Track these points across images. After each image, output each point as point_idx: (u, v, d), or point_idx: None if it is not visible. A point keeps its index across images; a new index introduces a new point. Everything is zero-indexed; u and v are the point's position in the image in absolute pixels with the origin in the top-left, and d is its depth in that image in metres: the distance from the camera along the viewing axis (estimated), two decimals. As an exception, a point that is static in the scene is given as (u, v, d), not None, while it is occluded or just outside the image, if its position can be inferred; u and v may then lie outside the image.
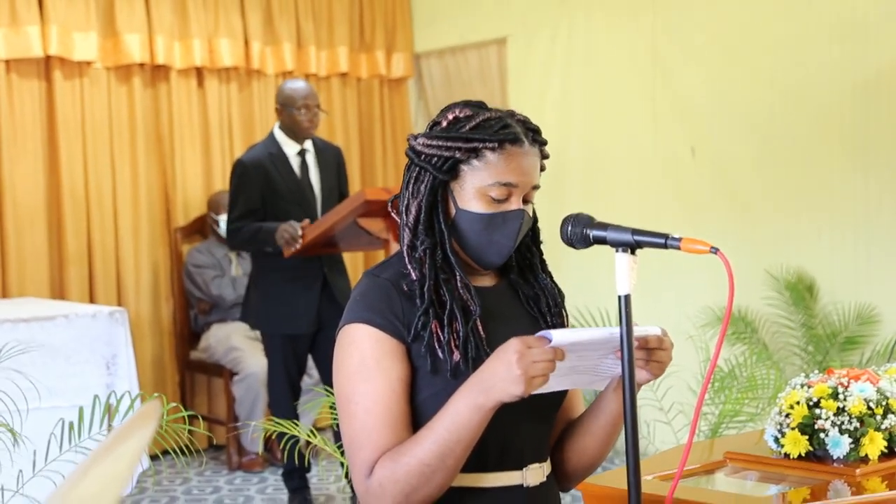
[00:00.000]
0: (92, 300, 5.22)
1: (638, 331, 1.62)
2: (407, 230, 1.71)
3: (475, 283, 1.75)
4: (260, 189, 4.47)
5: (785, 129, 4.78)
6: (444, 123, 1.72)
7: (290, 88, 4.53)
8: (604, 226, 1.64)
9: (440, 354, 1.64)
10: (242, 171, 4.48)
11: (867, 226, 4.55)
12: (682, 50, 5.12)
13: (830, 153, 4.64)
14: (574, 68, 5.57)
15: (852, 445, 2.17)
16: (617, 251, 1.60)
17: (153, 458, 5.20)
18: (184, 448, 2.86)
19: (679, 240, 1.58)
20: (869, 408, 2.20)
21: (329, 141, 4.89)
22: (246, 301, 4.69)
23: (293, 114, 4.49)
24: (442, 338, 1.64)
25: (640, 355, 1.64)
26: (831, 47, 4.59)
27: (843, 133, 4.60)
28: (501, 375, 1.52)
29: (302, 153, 4.59)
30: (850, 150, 4.58)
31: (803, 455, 2.20)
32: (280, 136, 4.58)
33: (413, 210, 1.70)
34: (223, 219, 5.32)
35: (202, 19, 5.61)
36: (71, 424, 2.81)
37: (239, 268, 5.51)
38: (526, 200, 1.72)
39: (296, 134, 4.55)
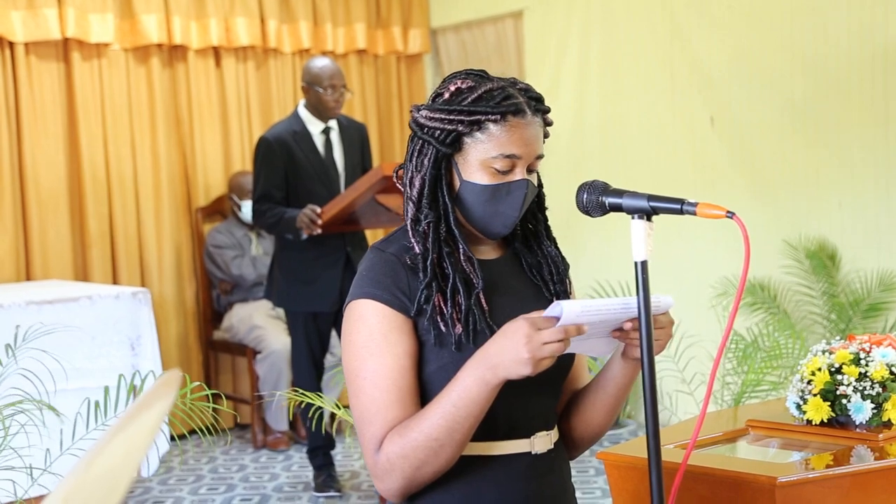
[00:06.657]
0: (115, 282, 5.26)
1: (651, 300, 1.61)
2: (411, 203, 1.71)
3: (479, 255, 1.75)
4: (283, 166, 4.46)
5: (805, 97, 4.73)
6: (446, 95, 1.70)
7: (317, 67, 4.50)
8: (619, 192, 1.63)
9: (443, 328, 1.64)
10: (266, 148, 4.47)
11: (888, 193, 4.51)
12: (700, 18, 5.07)
13: (851, 121, 4.59)
14: (591, 39, 5.53)
15: (874, 411, 2.17)
16: (633, 218, 1.60)
17: (180, 437, 5.25)
18: (209, 427, 2.89)
19: (695, 205, 1.57)
20: (891, 373, 2.20)
21: (353, 118, 4.89)
22: (269, 279, 4.71)
23: (319, 93, 4.48)
24: (445, 311, 1.65)
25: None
26: (853, 13, 4.53)
27: (863, 100, 4.55)
28: (510, 355, 1.52)
29: (326, 131, 4.58)
30: (871, 117, 4.53)
31: (825, 421, 2.20)
32: (305, 115, 4.57)
33: (417, 183, 1.70)
34: (245, 204, 5.34)
35: (218, -2, 5.62)
36: (97, 404, 2.84)
37: (259, 247, 5.53)
38: (530, 170, 1.71)
39: (321, 113, 4.54)
